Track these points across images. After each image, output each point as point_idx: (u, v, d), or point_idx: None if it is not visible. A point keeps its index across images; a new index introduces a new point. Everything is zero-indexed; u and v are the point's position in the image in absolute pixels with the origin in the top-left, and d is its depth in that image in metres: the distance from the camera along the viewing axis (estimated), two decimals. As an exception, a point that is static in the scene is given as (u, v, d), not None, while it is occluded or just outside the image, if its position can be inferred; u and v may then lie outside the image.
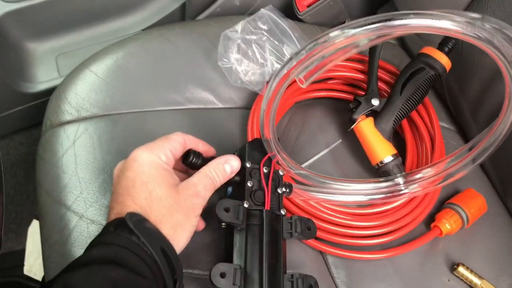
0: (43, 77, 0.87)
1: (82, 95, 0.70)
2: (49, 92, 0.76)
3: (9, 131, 0.96)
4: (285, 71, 0.63)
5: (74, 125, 0.67)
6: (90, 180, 0.63)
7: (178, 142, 0.53)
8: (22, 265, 0.97)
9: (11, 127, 0.94)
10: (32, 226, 1.00)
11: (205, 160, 0.55)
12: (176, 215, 0.48)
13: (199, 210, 0.50)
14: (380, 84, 0.72)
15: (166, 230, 0.47)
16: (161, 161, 0.50)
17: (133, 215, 0.45)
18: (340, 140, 0.72)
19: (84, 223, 0.60)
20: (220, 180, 0.53)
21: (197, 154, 0.55)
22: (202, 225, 0.58)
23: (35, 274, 0.95)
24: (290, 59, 0.61)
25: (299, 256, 0.62)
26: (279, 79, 0.62)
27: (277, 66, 0.73)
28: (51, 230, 0.61)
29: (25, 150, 1.00)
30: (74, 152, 0.65)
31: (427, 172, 0.62)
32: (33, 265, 0.97)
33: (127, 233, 0.44)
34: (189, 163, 0.54)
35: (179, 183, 0.51)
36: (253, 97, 0.73)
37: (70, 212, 0.61)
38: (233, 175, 0.55)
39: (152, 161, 0.49)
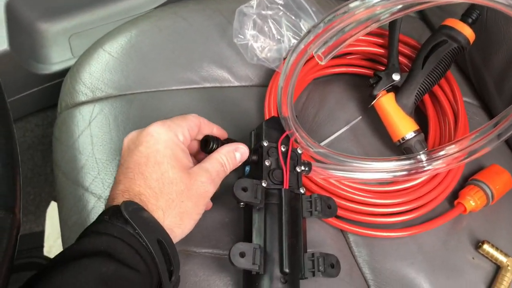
0: (57, 58, 0.86)
1: (97, 75, 0.69)
2: (63, 73, 0.75)
3: (24, 113, 0.96)
4: (302, 46, 0.61)
5: (89, 106, 0.67)
6: (107, 161, 0.62)
7: (194, 123, 0.52)
8: (42, 246, 0.98)
9: (27, 109, 0.94)
10: (50, 208, 1.00)
11: (220, 143, 0.54)
12: (186, 202, 0.46)
13: (209, 198, 0.49)
14: (401, 58, 0.70)
15: (172, 217, 0.45)
16: (178, 141, 0.49)
17: (129, 204, 0.43)
18: (360, 116, 0.70)
19: (102, 204, 0.60)
20: (230, 167, 0.52)
21: (216, 140, 0.53)
22: (209, 205, 0.56)
23: (55, 255, 0.95)
24: (308, 32, 0.59)
25: (319, 235, 0.61)
26: (296, 54, 0.60)
27: (294, 41, 0.71)
28: (69, 212, 0.61)
29: (41, 132, 1.00)
30: (90, 133, 0.65)
31: (451, 149, 0.60)
32: (53, 246, 0.98)
33: (122, 223, 0.42)
34: (209, 150, 0.53)
35: (192, 166, 0.49)
36: (269, 74, 0.71)
37: (88, 193, 0.61)
38: (241, 163, 0.54)
39: (169, 139, 0.48)
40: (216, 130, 0.55)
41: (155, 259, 0.42)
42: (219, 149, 0.52)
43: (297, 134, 0.58)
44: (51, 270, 0.39)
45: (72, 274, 0.39)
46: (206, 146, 0.53)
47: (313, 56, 0.58)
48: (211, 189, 0.49)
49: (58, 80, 0.81)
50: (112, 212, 0.43)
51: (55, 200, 1.01)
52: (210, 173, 0.49)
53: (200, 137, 0.54)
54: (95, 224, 0.44)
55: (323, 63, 0.54)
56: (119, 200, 0.45)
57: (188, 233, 0.48)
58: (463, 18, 0.65)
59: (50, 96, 0.88)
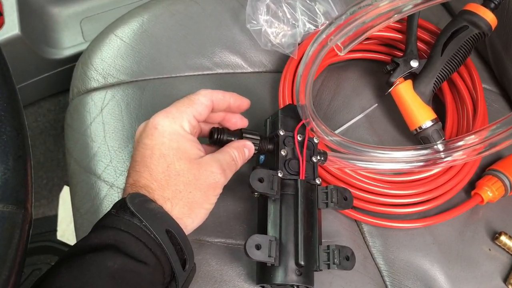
0: (68, 43, 0.86)
1: (108, 61, 0.68)
2: (75, 57, 0.75)
3: (37, 98, 0.96)
4: (324, 36, 0.60)
5: (101, 92, 0.66)
6: (120, 149, 0.62)
7: (203, 105, 0.49)
8: (55, 230, 0.98)
9: (39, 94, 0.94)
10: (63, 192, 1.01)
11: (231, 133, 0.53)
12: (194, 192, 0.45)
13: (220, 189, 0.48)
14: (420, 44, 0.68)
15: (180, 208, 0.45)
16: (184, 132, 0.47)
17: (135, 196, 0.43)
18: (376, 104, 0.69)
19: (115, 192, 0.59)
20: (240, 161, 0.51)
21: (221, 130, 0.52)
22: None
23: (68, 239, 0.96)
24: (330, 24, 0.57)
25: (333, 225, 0.60)
26: (317, 44, 0.58)
27: (310, 26, 0.69)
28: (82, 200, 0.61)
29: (54, 117, 1.00)
30: (102, 120, 0.64)
31: (469, 139, 0.58)
32: (66, 230, 0.98)
33: (128, 216, 0.42)
34: (215, 141, 0.52)
35: (203, 155, 0.48)
36: (284, 60, 0.70)
37: (100, 181, 0.60)
38: (247, 160, 0.52)
39: (174, 131, 0.46)
40: (233, 101, 0.52)
41: (164, 250, 0.42)
42: (231, 144, 0.51)
43: (313, 123, 0.56)
44: (58, 267, 0.39)
45: (78, 270, 0.38)
46: (211, 137, 0.52)
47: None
48: (222, 180, 0.48)
49: (70, 65, 0.81)
50: (119, 205, 0.43)
51: (67, 185, 1.01)
52: (221, 164, 0.48)
53: (217, 113, 0.53)
54: (103, 219, 0.43)
55: (342, 54, 0.53)
56: (127, 193, 0.44)
57: (200, 223, 0.48)
58: (485, 3, 0.63)
59: (62, 81, 0.87)
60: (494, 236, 0.62)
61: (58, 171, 1.01)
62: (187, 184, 0.45)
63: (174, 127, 0.46)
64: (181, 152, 0.46)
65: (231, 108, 0.53)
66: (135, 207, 0.42)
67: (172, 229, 0.43)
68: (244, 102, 0.54)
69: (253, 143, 0.53)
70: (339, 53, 0.54)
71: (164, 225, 0.43)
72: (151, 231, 0.41)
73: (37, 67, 0.84)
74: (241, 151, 0.51)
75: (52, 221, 0.98)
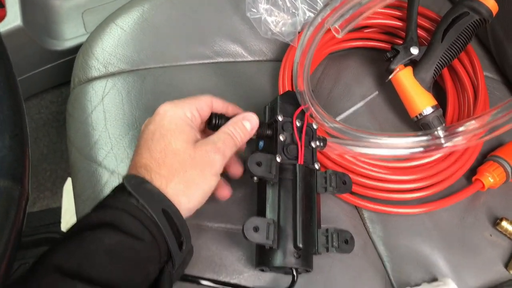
0: (70, 34, 0.86)
1: (109, 50, 0.68)
2: (77, 49, 0.75)
3: (39, 90, 0.96)
4: (319, 19, 0.60)
5: (102, 81, 0.66)
6: (120, 136, 0.62)
7: (205, 103, 0.51)
8: (59, 222, 0.99)
9: (41, 85, 0.95)
10: (67, 184, 1.01)
11: (229, 119, 0.53)
12: (190, 171, 0.46)
13: (217, 168, 0.48)
14: (420, 31, 0.68)
15: (176, 185, 0.45)
16: (185, 116, 0.49)
17: (132, 177, 0.44)
18: (377, 92, 0.69)
19: (116, 178, 0.60)
20: (241, 136, 0.51)
21: (220, 116, 0.53)
22: (227, 193, 0.55)
23: (71, 230, 0.96)
24: (325, 6, 0.57)
25: (333, 211, 0.60)
26: (313, 28, 0.58)
27: (310, 15, 0.69)
28: (83, 187, 0.62)
29: (56, 109, 1.01)
30: (103, 108, 0.64)
31: (470, 125, 0.58)
32: (69, 222, 0.99)
33: (126, 196, 0.43)
34: (213, 126, 0.52)
35: (199, 140, 0.49)
36: (284, 48, 0.70)
37: (101, 168, 0.61)
38: (254, 131, 0.53)
39: (175, 114, 0.48)
40: (231, 110, 0.54)
41: (161, 229, 0.42)
42: (227, 122, 0.52)
43: (312, 108, 0.57)
44: (57, 245, 0.39)
45: (76, 247, 0.39)
46: (209, 123, 0.53)
47: (330, 30, 0.57)
48: (218, 159, 0.48)
49: (72, 57, 0.81)
50: (117, 187, 0.45)
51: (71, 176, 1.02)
52: (216, 143, 0.48)
53: None
54: (102, 201, 0.44)
55: (340, 36, 0.53)
56: (128, 173, 0.46)
57: (198, 206, 0.48)
58: (486, -11, 0.63)
59: (64, 72, 0.88)
60: (495, 222, 0.61)
61: (62, 163, 1.02)
62: (183, 163, 0.46)
63: (176, 111, 0.48)
64: (178, 133, 0.47)
65: (228, 116, 0.54)
66: (132, 187, 0.42)
67: (168, 210, 0.43)
68: (240, 113, 0.54)
69: None
70: (336, 35, 0.54)
71: (160, 205, 0.43)
72: (148, 210, 0.42)
73: (39, 58, 0.85)
74: (239, 126, 0.51)
75: (56, 212, 0.98)
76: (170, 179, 0.45)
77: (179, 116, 0.48)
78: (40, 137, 1.02)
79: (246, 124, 0.52)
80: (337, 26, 0.55)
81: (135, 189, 0.42)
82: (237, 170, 0.55)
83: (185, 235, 0.45)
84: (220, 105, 0.53)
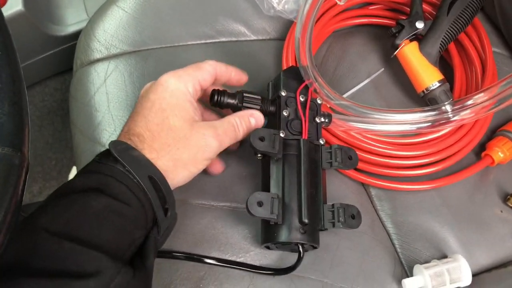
0: (72, 19, 0.86)
1: (111, 31, 0.67)
2: (79, 34, 0.75)
3: (42, 77, 0.96)
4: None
5: (104, 63, 0.66)
6: (123, 117, 0.62)
7: (208, 73, 0.50)
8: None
9: (45, 72, 0.94)
10: (72, 173, 1.01)
11: (232, 96, 0.52)
12: (181, 150, 0.46)
13: (211, 154, 0.48)
14: (425, 5, 0.67)
15: (165, 161, 0.45)
16: (187, 92, 0.48)
17: (118, 143, 0.44)
18: (383, 68, 0.68)
19: (119, 159, 0.59)
20: (244, 130, 0.51)
21: (222, 92, 0.52)
22: (220, 167, 0.55)
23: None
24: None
25: (340, 189, 0.59)
26: (311, 0, 0.57)
27: (313, -9, 0.68)
28: (87, 168, 0.61)
29: (60, 96, 1.01)
30: (105, 90, 0.64)
31: (478, 98, 0.57)
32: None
33: (112, 162, 0.42)
34: (215, 103, 0.52)
35: (199, 120, 0.48)
36: (287, 27, 0.69)
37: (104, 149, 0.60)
38: (256, 127, 0.52)
39: (178, 89, 0.47)
40: (234, 75, 0.54)
41: (147, 195, 0.42)
42: (235, 113, 0.51)
43: (316, 84, 0.56)
44: (44, 206, 0.39)
45: (62, 209, 0.39)
46: (211, 99, 0.52)
47: (330, 2, 0.56)
48: (214, 145, 0.47)
49: (74, 42, 0.81)
50: (103, 153, 0.44)
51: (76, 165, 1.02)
52: (216, 129, 0.48)
53: (218, 84, 0.54)
54: (86, 166, 0.44)
55: (342, 3, 0.52)
56: (120, 139, 0.45)
57: (182, 184, 0.48)
58: (492, -41, 0.62)
59: (67, 58, 0.87)
60: (506, 197, 0.60)
61: (67, 151, 1.02)
62: (177, 140, 0.46)
63: (179, 85, 0.48)
64: (178, 109, 0.47)
65: (231, 81, 0.54)
66: (118, 153, 0.42)
67: (154, 176, 0.43)
68: (243, 77, 0.55)
69: (254, 103, 0.53)
70: (338, 2, 0.53)
71: (147, 171, 0.43)
72: (134, 176, 0.42)
73: (41, 44, 0.84)
74: (244, 120, 0.51)
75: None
76: (161, 154, 0.45)
77: (181, 91, 0.48)
78: (45, 125, 1.02)
79: (252, 120, 0.51)
80: None
81: (121, 155, 0.42)
82: (216, 168, 0.55)
83: (171, 201, 0.44)
84: (223, 71, 0.52)
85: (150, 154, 0.44)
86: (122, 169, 0.42)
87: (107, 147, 0.60)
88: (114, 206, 0.40)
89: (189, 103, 0.48)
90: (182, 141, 0.46)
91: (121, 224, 0.40)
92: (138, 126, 0.46)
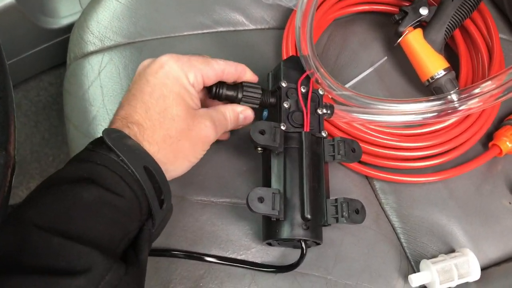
0: (66, 11, 0.83)
1: (104, 23, 0.65)
2: (73, 27, 0.73)
3: (37, 72, 0.94)
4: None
5: (98, 56, 0.64)
6: (119, 111, 0.60)
7: (214, 72, 0.48)
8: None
9: (39, 67, 0.92)
10: (70, 168, 0.99)
11: (231, 87, 0.51)
12: (183, 141, 0.44)
13: (209, 144, 0.47)
14: (429, -9, 0.64)
15: (166, 153, 0.43)
16: (187, 81, 0.46)
17: (112, 131, 0.41)
18: (386, 57, 0.66)
19: (115, 155, 0.57)
20: (232, 124, 0.50)
21: (220, 84, 0.50)
22: (228, 135, 0.55)
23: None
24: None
25: (343, 182, 0.57)
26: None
27: (312, -22, 0.66)
28: (82, 164, 0.59)
29: (55, 91, 0.99)
30: (100, 84, 0.62)
31: (486, 86, 0.55)
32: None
33: (105, 151, 0.40)
34: (214, 94, 0.50)
35: (198, 109, 0.47)
36: (287, 16, 0.67)
37: (100, 145, 0.58)
38: (243, 126, 0.52)
39: (179, 76, 0.45)
40: (243, 75, 0.52)
41: (142, 186, 0.40)
42: (227, 104, 0.50)
43: (317, 74, 0.54)
44: (32, 197, 0.37)
45: (52, 200, 0.37)
46: (210, 91, 0.50)
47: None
48: (213, 135, 0.47)
49: (69, 35, 0.79)
50: (96, 141, 0.42)
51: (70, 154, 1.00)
52: (214, 120, 0.47)
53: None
54: (79, 154, 0.42)
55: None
56: (116, 125, 0.43)
57: (180, 175, 0.46)
58: None
59: (61, 52, 0.85)
60: (514, 189, 0.59)
61: (64, 147, 1.00)
62: (179, 131, 0.44)
63: (180, 73, 0.46)
64: (181, 99, 0.45)
65: (239, 81, 0.52)
66: (112, 142, 0.40)
67: (150, 167, 0.41)
68: (254, 78, 0.53)
69: (254, 96, 0.51)
70: None
71: (142, 161, 0.41)
72: (128, 165, 0.40)
73: (35, 37, 0.82)
74: (234, 114, 0.50)
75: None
76: (162, 146, 0.43)
77: (183, 80, 0.46)
78: (41, 120, 1.00)
79: (241, 116, 0.51)
80: None
81: (116, 144, 0.40)
82: (225, 135, 0.55)
83: (166, 192, 0.43)
84: (231, 72, 0.50)
85: (151, 146, 0.43)
86: (116, 159, 0.40)
87: (102, 141, 0.58)
88: (106, 198, 0.38)
89: (189, 93, 0.46)
90: (184, 132, 0.44)
91: (113, 216, 0.38)
92: (137, 113, 0.43)
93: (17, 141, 0.35)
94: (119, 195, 0.39)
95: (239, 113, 0.51)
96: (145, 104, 0.44)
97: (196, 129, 0.45)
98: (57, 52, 0.86)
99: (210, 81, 0.49)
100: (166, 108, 0.44)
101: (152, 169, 0.41)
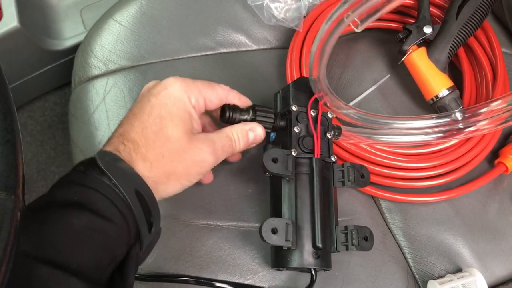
0: (69, 33, 0.84)
1: (108, 47, 0.66)
2: (77, 48, 0.73)
3: (42, 92, 0.94)
4: (341, 10, 0.56)
5: (103, 79, 0.64)
6: (124, 136, 0.60)
7: (217, 96, 0.48)
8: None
9: (44, 87, 0.93)
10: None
11: (244, 111, 0.50)
12: (176, 163, 0.44)
13: (206, 169, 0.46)
14: (433, 9, 0.64)
15: (158, 173, 0.43)
16: (189, 103, 0.46)
17: (105, 154, 0.41)
18: (389, 75, 0.66)
19: (122, 180, 0.57)
20: (241, 145, 0.49)
21: (233, 108, 0.49)
22: (210, 178, 0.54)
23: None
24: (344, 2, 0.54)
25: (349, 203, 0.58)
26: (331, 22, 0.55)
27: (314, -2, 0.66)
28: (89, 189, 0.59)
29: (61, 110, 0.99)
30: (105, 108, 0.62)
31: (491, 106, 0.54)
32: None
33: (97, 174, 0.40)
34: (227, 119, 0.49)
35: (198, 133, 0.46)
36: (289, 34, 0.67)
37: (106, 170, 0.59)
38: (254, 145, 0.51)
39: (181, 98, 0.45)
40: (246, 105, 0.52)
41: (132, 210, 0.40)
42: (234, 125, 0.49)
43: (327, 97, 0.53)
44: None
45: (39, 226, 0.36)
46: (222, 115, 0.50)
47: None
48: (210, 160, 0.46)
49: (73, 56, 0.79)
50: (88, 162, 0.41)
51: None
52: (214, 144, 0.46)
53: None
54: (69, 175, 0.41)
55: (359, 30, 0.50)
56: (112, 142, 0.43)
57: (172, 195, 0.46)
58: (501, -40, 0.59)
59: (66, 72, 0.86)
60: (521, 206, 0.59)
61: (70, 165, 0.99)
62: (172, 152, 0.43)
63: (182, 95, 0.46)
64: (178, 120, 0.44)
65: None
66: (105, 165, 0.40)
67: (141, 190, 0.41)
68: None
69: (267, 121, 0.51)
70: (356, 29, 0.51)
71: (133, 185, 0.40)
72: (120, 190, 0.39)
73: (39, 59, 0.83)
74: (243, 134, 0.49)
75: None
76: (155, 165, 0.43)
77: (183, 101, 0.45)
78: (46, 140, 1.00)
79: (251, 134, 0.49)
80: (356, 19, 0.52)
81: (108, 167, 0.40)
82: (206, 178, 0.54)
83: (155, 216, 0.42)
84: (235, 100, 0.50)
85: (143, 164, 0.42)
86: (107, 182, 0.39)
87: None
88: (96, 224, 0.38)
89: (189, 115, 0.46)
90: (177, 154, 0.44)
91: (102, 242, 0.38)
92: (134, 131, 0.43)
93: (23, 160, 0.35)
94: (109, 220, 0.38)
95: (248, 131, 0.49)
96: (142, 123, 0.44)
97: (191, 153, 0.45)
98: (62, 73, 0.87)
99: (213, 105, 0.49)
100: (161, 128, 0.44)
101: (143, 193, 0.41)
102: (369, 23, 0.53)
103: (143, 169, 0.42)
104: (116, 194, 0.39)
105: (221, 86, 0.49)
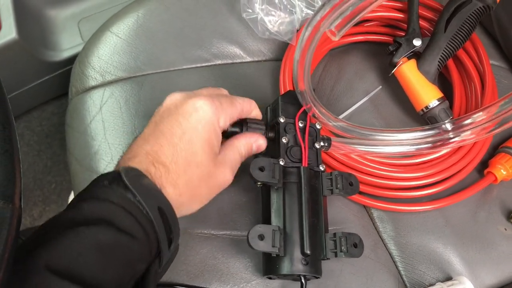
0: (67, 44, 0.85)
1: (105, 58, 0.67)
2: (75, 59, 0.74)
3: (39, 102, 0.96)
4: (318, 18, 0.58)
5: (99, 90, 0.65)
6: (120, 145, 0.61)
7: (238, 112, 0.50)
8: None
9: (41, 98, 0.94)
10: (71, 196, 1.00)
11: (235, 124, 0.51)
12: (203, 188, 0.45)
13: (225, 187, 0.48)
14: (422, 22, 0.66)
15: (185, 197, 0.44)
16: (218, 126, 0.47)
17: (130, 170, 0.41)
18: (380, 86, 0.67)
19: (117, 189, 0.58)
20: (245, 157, 0.51)
21: (234, 125, 0.51)
22: None
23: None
24: (323, 5, 0.56)
25: (341, 212, 0.58)
26: (311, 28, 0.56)
27: (308, 12, 0.67)
28: (85, 199, 0.60)
29: (58, 120, 1.00)
30: (101, 118, 0.63)
31: (478, 117, 0.56)
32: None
33: (122, 189, 0.40)
34: (228, 134, 0.51)
35: (219, 155, 0.48)
36: (283, 48, 0.68)
37: (102, 180, 0.59)
38: (256, 152, 0.52)
39: (211, 123, 0.46)
40: (256, 112, 0.53)
41: (154, 227, 0.40)
42: (240, 137, 0.50)
43: (314, 108, 0.55)
44: (45, 240, 0.37)
45: (70, 242, 0.37)
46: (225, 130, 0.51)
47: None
48: (230, 180, 0.48)
49: (70, 67, 0.80)
50: (112, 177, 0.41)
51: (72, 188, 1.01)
52: (232, 163, 0.48)
53: None
54: (95, 189, 0.42)
55: (336, 39, 0.51)
56: (140, 160, 0.43)
57: (195, 212, 0.47)
58: (489, -25, 0.61)
59: (64, 83, 0.87)
60: (510, 215, 0.60)
61: (66, 174, 1.01)
62: (201, 178, 0.45)
63: (213, 118, 0.46)
64: (207, 145, 0.45)
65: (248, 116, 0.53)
66: (130, 181, 0.40)
67: (163, 207, 0.42)
68: (259, 114, 0.54)
69: (258, 131, 0.52)
70: (333, 38, 0.52)
71: (156, 201, 0.41)
72: (144, 207, 0.40)
73: (37, 70, 0.84)
74: (248, 147, 0.50)
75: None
76: (184, 191, 0.44)
77: (213, 125, 0.46)
78: (43, 149, 1.01)
79: (254, 147, 0.51)
80: (333, 29, 0.53)
81: (133, 184, 0.40)
82: None
83: (175, 233, 0.43)
84: (247, 110, 0.52)
85: (173, 190, 0.43)
86: (132, 198, 0.40)
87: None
88: (121, 241, 0.38)
89: (216, 139, 0.47)
90: (205, 179, 0.45)
91: (126, 259, 0.39)
92: (164, 154, 0.43)
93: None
94: (133, 237, 0.39)
95: (253, 144, 0.51)
96: (173, 147, 0.44)
97: (216, 176, 0.46)
98: (60, 83, 0.88)
99: (233, 121, 0.50)
100: (192, 154, 0.44)
101: (165, 210, 0.42)
102: (345, 31, 0.54)
103: (172, 194, 0.43)
104: (140, 210, 0.40)
105: (236, 99, 0.50)
